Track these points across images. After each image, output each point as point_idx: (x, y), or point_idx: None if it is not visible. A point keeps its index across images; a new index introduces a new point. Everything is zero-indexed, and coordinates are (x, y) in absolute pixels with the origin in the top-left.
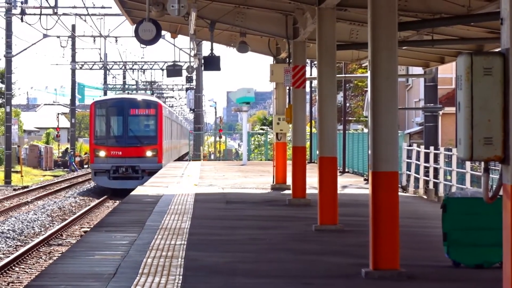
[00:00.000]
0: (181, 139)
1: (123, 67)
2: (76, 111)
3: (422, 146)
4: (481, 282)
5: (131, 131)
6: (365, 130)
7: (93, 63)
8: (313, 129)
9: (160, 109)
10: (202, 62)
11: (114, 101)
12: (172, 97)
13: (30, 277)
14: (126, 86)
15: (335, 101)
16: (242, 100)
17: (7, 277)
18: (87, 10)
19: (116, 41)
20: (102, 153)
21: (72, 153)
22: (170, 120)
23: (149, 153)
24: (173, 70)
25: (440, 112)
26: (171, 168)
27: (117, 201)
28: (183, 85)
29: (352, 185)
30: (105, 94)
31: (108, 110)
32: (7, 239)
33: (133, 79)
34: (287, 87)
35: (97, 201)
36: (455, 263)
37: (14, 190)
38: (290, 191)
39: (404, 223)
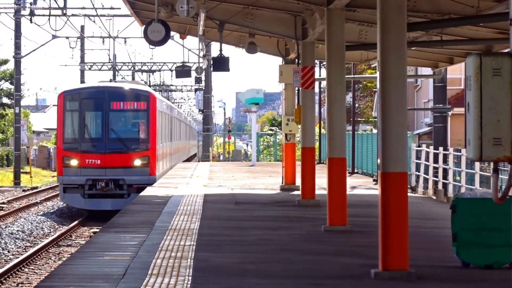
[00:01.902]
0: (186, 140)
1: (132, 68)
2: None
3: (431, 147)
4: (491, 282)
5: (114, 132)
6: (374, 131)
7: (102, 64)
8: (322, 130)
9: (153, 102)
10: (211, 63)
11: (90, 92)
12: (181, 98)
13: (40, 278)
14: None
15: (344, 101)
16: (251, 101)
17: (17, 277)
18: (96, 11)
19: (125, 42)
20: (74, 162)
21: None
22: (169, 117)
23: (137, 162)
24: (182, 71)
25: (449, 113)
26: (180, 169)
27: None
28: (192, 86)
29: (361, 186)
30: None
31: (82, 104)
32: (17, 240)
33: (142, 79)
34: (296, 88)
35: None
36: (465, 264)
37: (23, 191)
38: (299, 192)
39: (413, 224)
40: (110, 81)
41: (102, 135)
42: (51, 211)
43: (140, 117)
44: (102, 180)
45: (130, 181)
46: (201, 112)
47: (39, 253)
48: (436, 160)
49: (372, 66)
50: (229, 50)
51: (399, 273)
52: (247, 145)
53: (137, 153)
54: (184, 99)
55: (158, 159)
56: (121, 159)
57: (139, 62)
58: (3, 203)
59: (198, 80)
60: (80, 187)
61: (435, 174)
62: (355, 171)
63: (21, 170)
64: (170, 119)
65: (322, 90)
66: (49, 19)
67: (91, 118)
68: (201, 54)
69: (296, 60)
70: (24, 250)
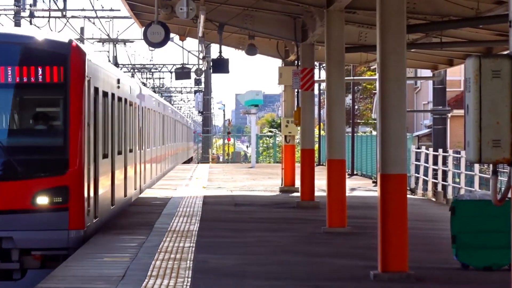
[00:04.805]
0: (180, 142)
1: (131, 70)
2: None
3: (431, 149)
4: (490, 284)
5: None
6: (374, 133)
7: None
8: (322, 132)
9: (77, 67)
10: (211, 64)
11: None
12: (181, 99)
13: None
14: None
15: (343, 103)
16: (250, 103)
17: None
18: (96, 13)
19: (125, 44)
20: None
21: None
22: (141, 108)
23: (41, 200)
24: (182, 72)
25: (449, 115)
26: (180, 170)
27: None
28: (191, 87)
29: (361, 188)
30: None
31: None
32: None
33: (142, 82)
34: (296, 90)
35: None
36: (464, 266)
37: None
38: (298, 194)
39: (412, 226)
40: None
41: None
42: None
43: (51, 100)
44: None
45: (26, 244)
46: (200, 114)
47: None
48: (435, 162)
49: (371, 68)
50: (228, 52)
51: (398, 274)
52: (247, 147)
53: (42, 179)
54: (184, 101)
55: (96, 189)
56: (7, 193)
57: (139, 64)
58: None
59: (197, 82)
60: None
61: (435, 176)
62: (355, 173)
63: None
64: (141, 111)
65: (321, 92)
66: (48, 20)
67: None
68: (201, 56)
69: (296, 62)
70: None
